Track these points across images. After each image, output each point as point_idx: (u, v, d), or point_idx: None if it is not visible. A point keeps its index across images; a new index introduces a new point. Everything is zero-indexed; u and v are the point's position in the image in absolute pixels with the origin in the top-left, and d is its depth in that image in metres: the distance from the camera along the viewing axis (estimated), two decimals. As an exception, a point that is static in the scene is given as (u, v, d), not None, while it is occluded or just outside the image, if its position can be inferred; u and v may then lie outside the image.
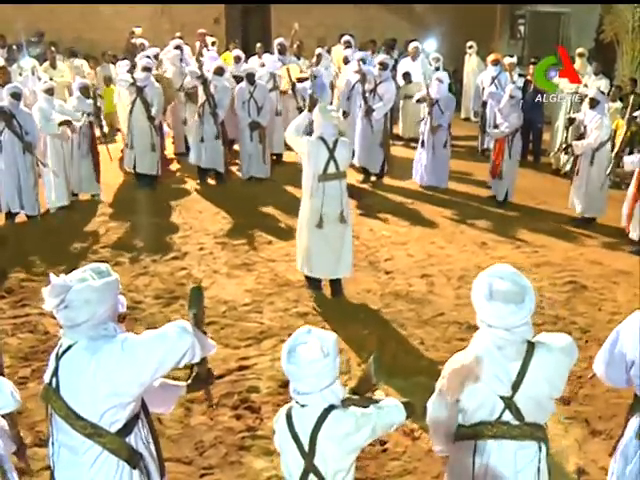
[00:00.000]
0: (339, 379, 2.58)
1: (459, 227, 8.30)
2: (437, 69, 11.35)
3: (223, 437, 4.41)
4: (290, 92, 10.03)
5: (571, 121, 8.89)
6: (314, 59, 10.93)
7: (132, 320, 5.64)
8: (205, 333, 2.77)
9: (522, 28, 16.31)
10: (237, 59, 10.94)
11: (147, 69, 9.20)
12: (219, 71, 9.54)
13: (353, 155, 8.56)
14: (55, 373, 2.53)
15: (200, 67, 9.41)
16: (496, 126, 9.21)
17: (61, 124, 8.07)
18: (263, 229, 8.00)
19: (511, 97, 8.76)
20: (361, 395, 2.72)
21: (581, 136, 8.35)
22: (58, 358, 2.53)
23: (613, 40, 13.41)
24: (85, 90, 8.83)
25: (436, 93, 9.33)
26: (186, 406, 4.62)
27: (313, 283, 6.42)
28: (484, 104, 11.11)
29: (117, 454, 2.54)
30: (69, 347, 2.51)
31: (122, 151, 10.27)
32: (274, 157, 10.60)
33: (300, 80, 10.00)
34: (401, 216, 8.57)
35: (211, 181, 9.86)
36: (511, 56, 11.87)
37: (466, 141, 12.20)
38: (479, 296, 2.63)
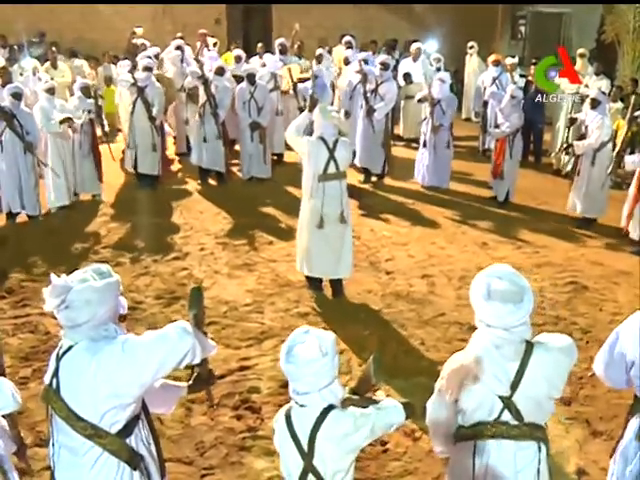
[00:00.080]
0: (338, 379, 2.58)
1: (460, 227, 8.30)
2: (438, 69, 11.36)
3: (224, 437, 4.40)
4: (291, 92, 10.03)
5: (572, 121, 8.89)
6: (314, 59, 10.94)
7: (133, 320, 5.64)
8: (205, 334, 2.77)
9: (523, 28, 16.29)
10: (238, 59, 10.95)
11: (148, 69, 9.21)
12: (220, 71, 9.55)
13: (354, 155, 8.56)
14: (55, 374, 2.53)
15: (201, 67, 9.42)
16: (497, 126, 9.21)
17: (62, 122, 8.08)
18: (264, 229, 8.00)
19: (512, 97, 8.76)
20: (361, 395, 2.72)
21: (582, 136, 8.35)
22: (58, 359, 2.53)
23: (614, 40, 13.39)
24: (86, 90, 8.83)
25: (438, 93, 9.33)
26: (187, 406, 4.62)
27: (314, 283, 6.42)
28: (485, 104, 11.11)
29: (117, 455, 2.54)
30: (69, 348, 2.51)
31: (123, 151, 10.29)
32: (275, 157, 10.61)
33: (301, 80, 10.01)
34: (402, 216, 8.57)
35: (212, 181, 9.86)
36: (512, 56, 11.89)
37: (467, 141, 12.19)
38: (477, 296, 2.63)
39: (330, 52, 12.39)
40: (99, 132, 9.39)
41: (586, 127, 8.26)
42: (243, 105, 9.57)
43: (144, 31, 12.41)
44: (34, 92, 9.47)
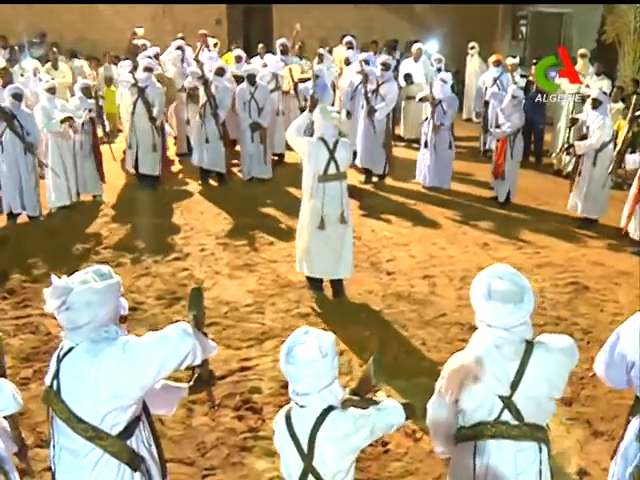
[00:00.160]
0: (338, 379, 2.58)
1: (461, 228, 8.30)
2: (439, 70, 11.35)
3: (225, 438, 4.40)
4: (292, 92, 10.04)
5: (573, 121, 8.88)
6: (316, 59, 10.94)
7: (134, 321, 5.65)
8: (206, 335, 2.77)
9: (524, 29, 16.28)
10: (238, 59, 10.95)
11: (149, 69, 9.22)
12: (220, 72, 9.55)
13: (355, 156, 8.56)
14: (56, 376, 2.52)
15: (201, 67, 9.42)
16: (498, 126, 9.21)
17: (63, 121, 8.08)
18: (265, 230, 8.00)
19: (513, 97, 8.76)
20: (361, 396, 2.72)
21: (583, 137, 8.35)
22: (59, 360, 2.53)
23: (615, 41, 13.40)
24: (87, 90, 8.84)
25: (440, 93, 9.33)
26: (188, 407, 4.62)
27: (314, 284, 6.42)
28: (486, 104, 11.10)
29: (118, 457, 2.54)
30: (70, 349, 2.50)
31: (124, 152, 10.29)
32: (276, 157, 10.61)
33: (302, 80, 10.01)
34: (403, 217, 8.57)
35: (213, 182, 9.86)
36: (513, 57, 11.89)
37: (468, 142, 12.19)
38: (478, 296, 2.63)
39: (331, 52, 12.39)
40: (100, 132, 9.40)
41: (587, 127, 8.27)
42: (243, 106, 9.57)
43: (145, 31, 12.40)
44: (35, 93, 9.48)
